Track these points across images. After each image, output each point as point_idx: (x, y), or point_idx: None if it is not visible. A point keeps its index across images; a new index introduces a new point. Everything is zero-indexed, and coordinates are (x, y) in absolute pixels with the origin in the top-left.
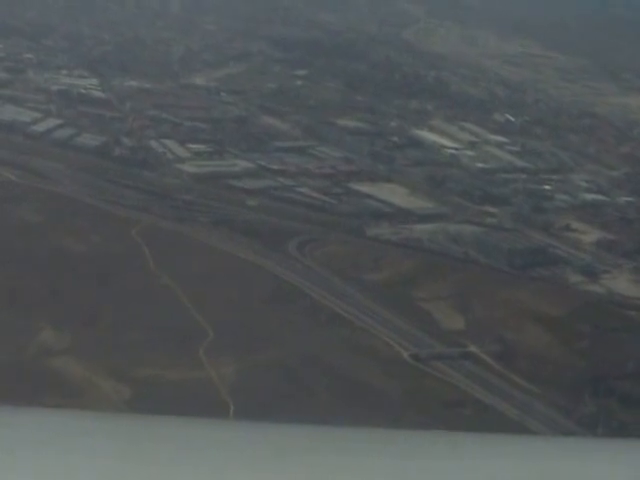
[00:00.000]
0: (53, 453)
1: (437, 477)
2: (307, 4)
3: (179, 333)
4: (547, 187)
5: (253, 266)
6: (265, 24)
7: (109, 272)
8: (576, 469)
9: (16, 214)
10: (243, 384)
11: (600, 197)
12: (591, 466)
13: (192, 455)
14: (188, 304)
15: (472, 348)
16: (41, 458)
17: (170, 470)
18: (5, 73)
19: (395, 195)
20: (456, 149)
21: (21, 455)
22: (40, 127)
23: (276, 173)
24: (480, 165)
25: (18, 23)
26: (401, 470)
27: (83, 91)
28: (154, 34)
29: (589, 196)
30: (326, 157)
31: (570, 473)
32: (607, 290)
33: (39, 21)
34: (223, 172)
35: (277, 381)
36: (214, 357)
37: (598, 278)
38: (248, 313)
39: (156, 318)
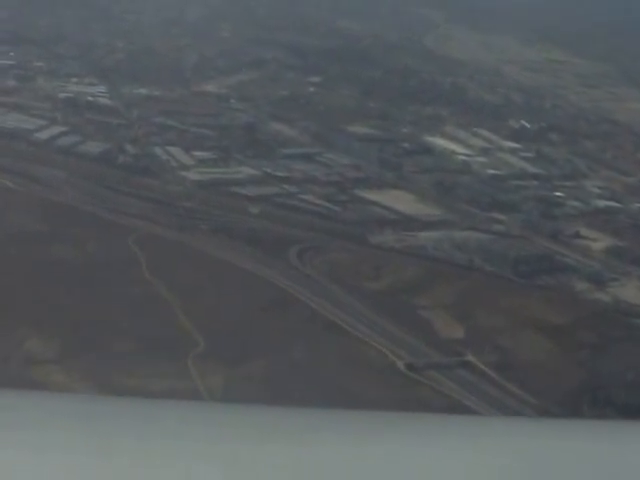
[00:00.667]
0: (49, 435)
1: (431, 458)
2: (327, 11)
3: (168, 343)
4: (559, 194)
5: (250, 274)
6: (282, 31)
7: (101, 281)
8: (566, 450)
9: (10, 221)
10: (230, 394)
11: (613, 204)
12: (582, 447)
13: (189, 437)
14: (181, 313)
15: (470, 357)
16: (38, 441)
17: (169, 452)
18: (14, 81)
19: (401, 202)
20: (468, 155)
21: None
22: (44, 134)
23: (281, 180)
24: (491, 172)
25: (31, 31)
26: (390, 452)
27: (90, 98)
28: (168, 42)
29: (601, 203)
30: (333, 164)
31: (560, 455)
32: (614, 298)
33: (52, 29)
34: (227, 179)
35: (265, 391)
36: (202, 367)
37: (605, 286)
38: (241, 322)
39: (146, 327)
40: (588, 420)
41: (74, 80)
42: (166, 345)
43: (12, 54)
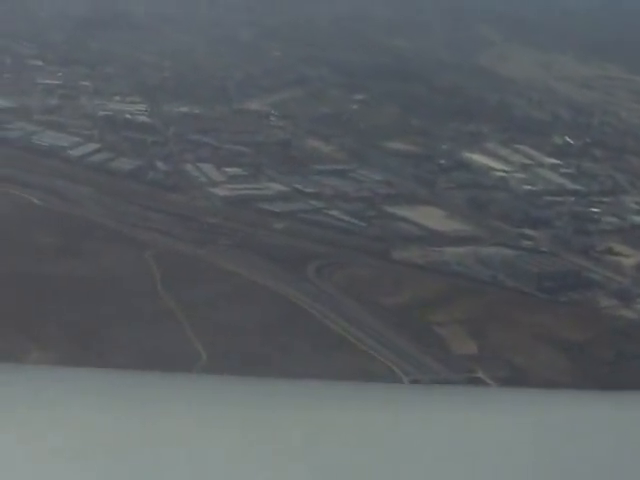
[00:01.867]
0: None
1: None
2: (384, 30)
3: (170, 357)
4: (595, 210)
5: (263, 288)
6: (334, 50)
7: (111, 295)
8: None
9: (27, 236)
10: None
11: None
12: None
13: (178, 411)
14: (188, 327)
15: (479, 374)
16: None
17: (163, 426)
18: (56, 100)
19: (431, 218)
20: (505, 172)
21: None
22: (77, 151)
23: (309, 196)
24: (527, 188)
25: (82, 53)
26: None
27: (129, 116)
28: (216, 61)
29: (639, 219)
30: (366, 180)
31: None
32: (639, 315)
33: (104, 51)
34: (255, 195)
35: None
36: None
37: (632, 302)
38: (247, 336)
39: (151, 342)
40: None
41: (117, 99)
42: (167, 359)
43: (60, 74)
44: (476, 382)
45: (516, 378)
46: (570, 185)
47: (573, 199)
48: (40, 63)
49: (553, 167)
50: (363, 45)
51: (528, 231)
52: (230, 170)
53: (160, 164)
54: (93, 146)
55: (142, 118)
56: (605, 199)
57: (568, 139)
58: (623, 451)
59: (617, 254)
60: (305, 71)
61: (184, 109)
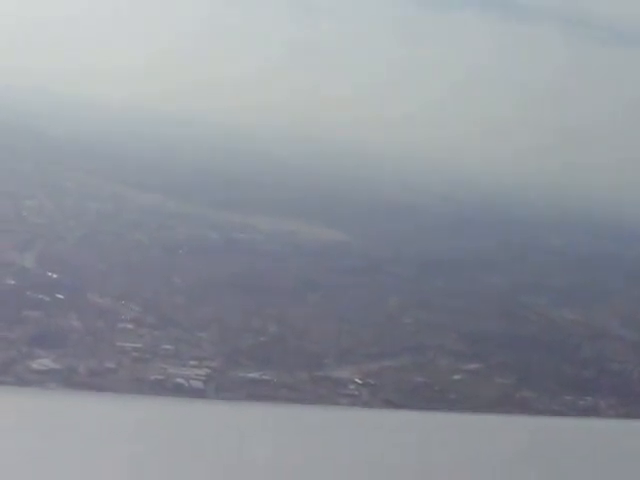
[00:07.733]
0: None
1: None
2: (553, 302)
3: None
4: None
5: None
6: (475, 320)
7: None
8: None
9: None
10: None
11: None
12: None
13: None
14: None
15: None
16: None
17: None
18: (118, 363)
19: None
20: None
21: None
22: None
23: None
24: None
25: (182, 316)
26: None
27: (180, 380)
28: (331, 327)
29: None
30: None
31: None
32: None
33: (208, 315)
34: None
35: None
36: None
37: None
38: None
39: None
40: None
41: (192, 363)
42: None
43: (146, 337)
44: None
45: None
46: None
47: None
48: (130, 326)
49: None
50: (521, 316)
51: None
52: None
53: None
54: None
55: (196, 383)
56: None
57: None
58: None
59: None
60: (426, 339)
61: (253, 375)
